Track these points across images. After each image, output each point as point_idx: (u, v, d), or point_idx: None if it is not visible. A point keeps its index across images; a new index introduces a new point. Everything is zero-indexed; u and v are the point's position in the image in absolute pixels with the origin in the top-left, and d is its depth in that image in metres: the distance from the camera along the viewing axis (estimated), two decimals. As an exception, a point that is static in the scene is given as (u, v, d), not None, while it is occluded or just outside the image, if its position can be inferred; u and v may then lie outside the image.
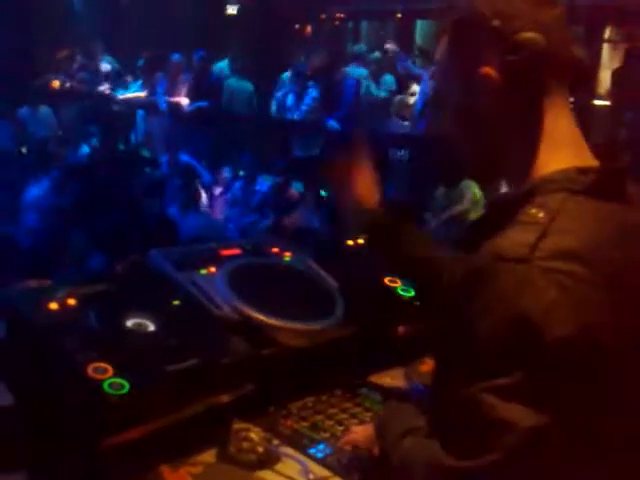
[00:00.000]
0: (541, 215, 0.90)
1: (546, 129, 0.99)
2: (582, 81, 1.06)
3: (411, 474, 1.01)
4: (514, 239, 0.90)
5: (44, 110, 7.99)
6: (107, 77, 8.76)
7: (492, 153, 1.04)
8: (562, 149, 0.99)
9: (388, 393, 1.61)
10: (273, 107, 7.72)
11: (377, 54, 8.39)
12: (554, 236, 0.88)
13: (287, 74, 7.71)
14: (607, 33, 8.95)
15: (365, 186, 1.55)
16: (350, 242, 1.99)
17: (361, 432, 1.30)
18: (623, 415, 0.92)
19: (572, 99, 1.04)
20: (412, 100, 7.19)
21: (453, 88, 1.05)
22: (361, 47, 8.95)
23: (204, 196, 6.15)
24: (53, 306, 1.36)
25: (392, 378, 1.71)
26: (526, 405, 0.86)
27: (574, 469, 0.90)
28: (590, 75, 1.05)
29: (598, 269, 0.88)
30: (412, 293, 1.76)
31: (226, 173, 6.53)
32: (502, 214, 0.96)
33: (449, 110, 1.07)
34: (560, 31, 1.00)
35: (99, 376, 1.23)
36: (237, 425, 1.34)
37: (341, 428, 1.45)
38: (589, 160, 1.00)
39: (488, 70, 0.98)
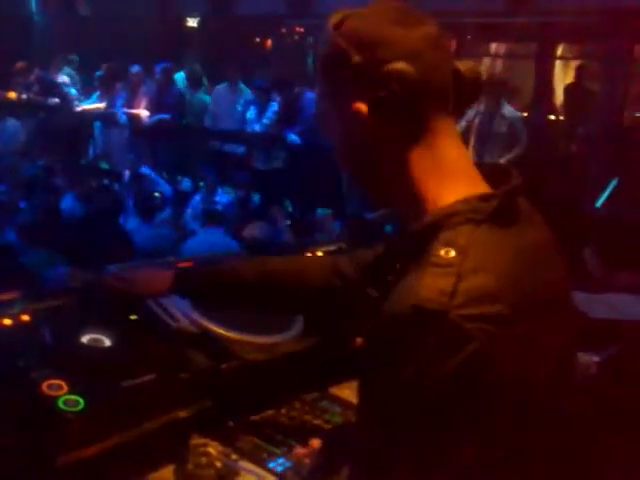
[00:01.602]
0: (452, 255, 0.85)
1: (433, 159, 0.94)
2: (470, 96, 1.01)
3: None
4: (430, 286, 0.83)
5: (10, 122, 7.86)
6: (65, 88, 8.63)
7: (379, 186, 0.99)
8: (455, 178, 0.94)
9: (347, 405, 1.62)
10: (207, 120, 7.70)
11: None
12: (469, 278, 0.84)
13: (221, 85, 7.70)
14: (559, 50, 9.18)
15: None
16: (308, 253, 1.99)
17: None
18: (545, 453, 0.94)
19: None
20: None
21: (330, 122, 1.00)
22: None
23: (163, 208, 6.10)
24: (6, 322, 1.34)
25: (351, 390, 1.71)
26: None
27: None
28: (477, 88, 1.00)
29: (522, 301, 0.86)
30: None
31: (185, 184, 6.50)
32: (407, 250, 0.92)
33: (334, 142, 1.02)
34: (433, 52, 0.93)
35: (53, 393, 1.22)
36: (195, 440, 1.33)
37: (300, 442, 1.45)
38: (483, 187, 0.94)
39: (358, 106, 0.93)
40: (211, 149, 7.60)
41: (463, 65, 0.98)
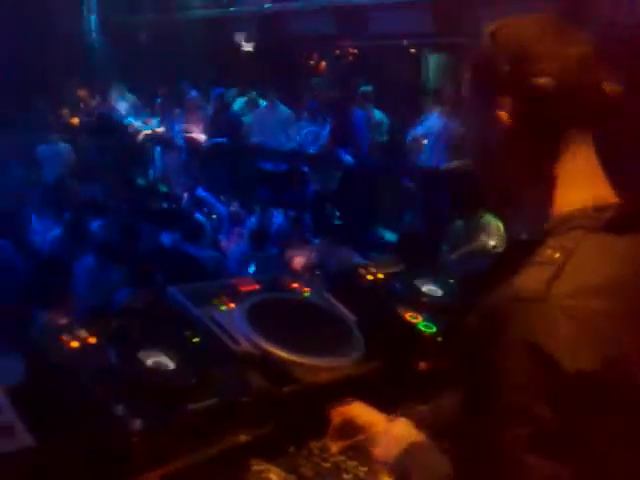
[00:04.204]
0: (557, 255, 0.90)
1: (562, 169, 0.98)
2: (610, 116, 1.03)
3: None
4: (530, 279, 0.90)
5: (62, 147, 8.11)
6: (126, 113, 8.89)
7: (508, 191, 1.04)
8: (579, 188, 0.98)
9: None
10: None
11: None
12: (569, 275, 0.88)
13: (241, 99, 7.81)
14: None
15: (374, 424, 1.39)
16: (369, 277, 1.97)
17: (382, 444, 1.25)
18: None
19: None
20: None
21: (471, 126, 1.07)
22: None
23: (219, 230, 6.18)
24: (73, 344, 1.35)
25: (416, 413, 1.67)
26: (558, 458, 0.84)
27: None
28: (619, 110, 1.02)
29: (616, 303, 0.87)
30: (434, 329, 1.73)
31: (236, 207, 6.55)
32: (521, 254, 0.95)
33: (469, 145, 1.09)
34: (581, 71, 0.96)
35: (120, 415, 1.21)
36: (257, 466, 1.32)
37: (364, 469, 1.42)
38: (608, 197, 0.98)
39: (501, 114, 0.98)
40: (265, 171, 7.68)
41: (608, 86, 0.99)
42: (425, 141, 6.95)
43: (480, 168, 1.08)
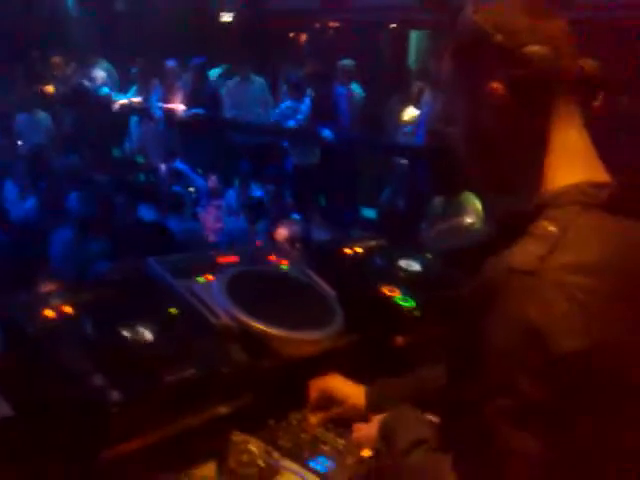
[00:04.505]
0: (552, 228, 0.90)
1: (556, 143, 0.98)
2: (593, 92, 1.03)
3: None
4: (524, 251, 0.89)
5: (42, 116, 7.96)
6: (103, 82, 8.73)
7: (502, 168, 1.03)
8: (573, 163, 0.98)
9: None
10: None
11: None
12: (565, 249, 0.88)
13: (216, 70, 7.71)
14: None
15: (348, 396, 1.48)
16: (348, 250, 1.97)
17: (365, 432, 1.26)
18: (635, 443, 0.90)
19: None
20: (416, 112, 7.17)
21: (461, 105, 1.04)
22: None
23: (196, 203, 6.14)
24: (50, 315, 1.34)
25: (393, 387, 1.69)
26: (538, 433, 0.84)
27: None
28: (601, 86, 1.03)
29: (610, 282, 0.87)
30: (411, 303, 1.74)
31: (215, 180, 6.49)
32: (514, 228, 0.94)
33: (458, 127, 1.06)
34: (566, 42, 0.98)
35: (97, 386, 1.21)
36: (236, 437, 1.32)
37: (342, 441, 1.43)
38: (601, 175, 0.98)
39: (495, 86, 0.97)
40: (244, 144, 7.61)
41: (584, 62, 1.00)
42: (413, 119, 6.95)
43: (472, 147, 1.06)
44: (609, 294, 0.86)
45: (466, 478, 0.91)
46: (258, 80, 7.74)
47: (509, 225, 0.98)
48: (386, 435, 1.15)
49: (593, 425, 0.86)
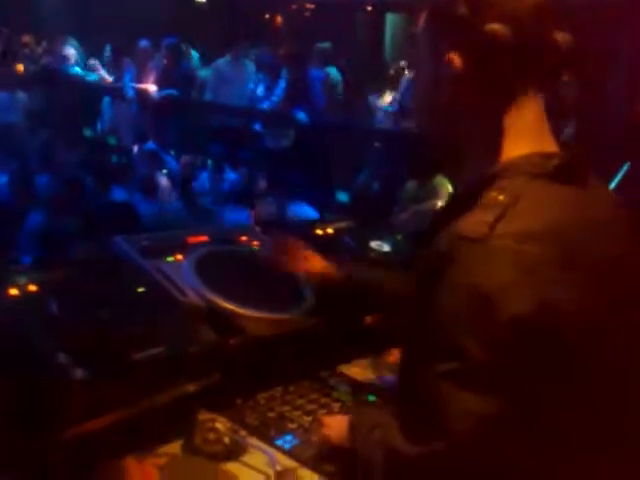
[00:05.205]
0: (501, 198, 0.92)
1: (509, 118, 0.99)
2: (562, 67, 1.05)
3: (371, 462, 1.02)
4: (473, 220, 0.91)
5: (20, 95, 7.79)
6: (73, 61, 8.57)
7: (455, 136, 1.05)
8: (525, 136, 0.99)
9: (356, 384, 1.60)
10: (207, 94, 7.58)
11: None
12: (513, 218, 0.90)
13: (223, 60, 7.60)
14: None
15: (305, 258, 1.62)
16: (319, 231, 1.97)
17: (334, 427, 1.28)
18: (589, 409, 0.92)
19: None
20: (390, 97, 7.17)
21: (422, 69, 1.06)
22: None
23: (167, 184, 6.07)
24: (13, 292, 1.32)
25: (360, 369, 1.70)
26: (481, 392, 0.87)
27: (536, 466, 0.90)
28: (571, 60, 1.05)
29: (558, 250, 0.89)
30: (381, 284, 1.75)
31: (187, 159, 6.43)
32: (466, 199, 0.97)
33: (418, 91, 1.09)
34: (534, 20, 0.97)
35: (62, 364, 1.19)
36: (203, 416, 1.32)
37: (309, 419, 1.44)
38: (550, 146, 1.00)
39: (453, 57, 0.98)
40: (218, 126, 7.54)
41: (560, 36, 1.00)
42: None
43: (428, 117, 1.08)
44: (555, 260, 0.88)
45: (412, 441, 0.94)
46: (249, 63, 7.63)
47: (463, 197, 1.00)
48: (352, 428, 1.18)
49: (536, 385, 0.88)
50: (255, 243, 1.83)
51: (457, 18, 0.97)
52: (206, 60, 8.32)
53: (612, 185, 5.73)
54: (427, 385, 0.91)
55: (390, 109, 6.96)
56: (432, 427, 0.91)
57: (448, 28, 0.99)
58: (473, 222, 0.91)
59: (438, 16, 1.02)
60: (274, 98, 6.97)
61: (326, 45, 7.78)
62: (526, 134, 0.99)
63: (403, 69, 7.15)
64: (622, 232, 1.00)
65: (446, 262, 0.90)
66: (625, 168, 5.85)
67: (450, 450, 0.89)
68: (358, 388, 1.58)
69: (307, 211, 5.21)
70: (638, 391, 0.97)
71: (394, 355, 1.70)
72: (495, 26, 0.95)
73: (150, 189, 5.62)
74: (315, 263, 1.61)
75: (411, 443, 0.94)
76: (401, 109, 6.74)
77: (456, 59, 0.98)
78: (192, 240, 1.74)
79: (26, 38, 8.89)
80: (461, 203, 0.97)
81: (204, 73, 7.94)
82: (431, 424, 0.91)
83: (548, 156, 0.97)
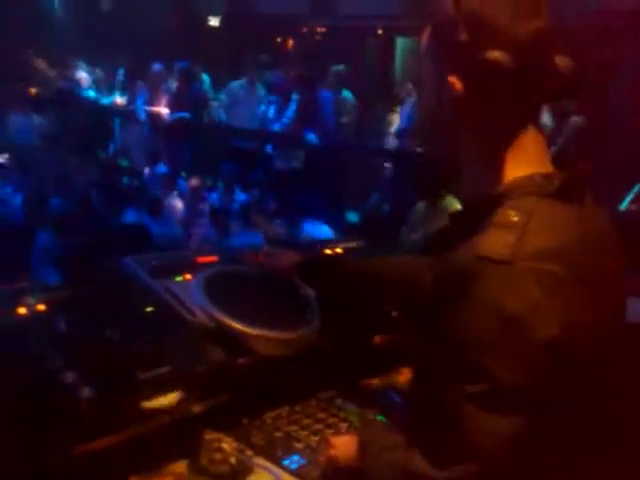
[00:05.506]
0: (516, 217, 0.92)
1: (511, 139, 0.99)
2: (564, 92, 1.05)
3: None
4: (494, 240, 0.91)
5: (35, 118, 7.91)
6: (87, 84, 8.69)
7: (456, 155, 1.06)
8: (526, 157, 1.00)
9: (364, 404, 1.60)
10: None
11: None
12: (532, 237, 0.90)
13: (237, 83, 7.68)
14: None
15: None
16: (328, 251, 1.97)
17: (341, 447, 1.26)
18: (588, 415, 0.95)
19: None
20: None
21: (425, 89, 1.08)
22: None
23: (180, 206, 6.11)
24: (22, 311, 1.33)
25: (369, 388, 1.69)
26: (508, 413, 0.87)
27: (542, 474, 0.92)
28: (573, 85, 1.04)
29: (569, 267, 0.90)
30: (390, 303, 1.75)
31: (194, 182, 6.46)
32: (475, 216, 0.97)
33: (421, 110, 1.13)
34: (535, 47, 0.97)
35: (70, 382, 1.20)
36: (209, 435, 1.32)
37: (315, 439, 1.43)
38: (547, 167, 1.01)
39: (453, 80, 0.99)
40: (229, 148, 7.58)
41: (561, 60, 1.02)
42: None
43: (430, 135, 1.12)
44: (570, 278, 0.89)
45: (436, 465, 0.93)
46: (259, 84, 7.71)
47: (471, 213, 1.00)
48: (362, 449, 1.16)
49: (559, 401, 0.89)
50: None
51: (458, 44, 0.98)
52: (217, 83, 8.39)
53: (624, 204, 5.72)
54: (451, 406, 0.90)
55: (398, 130, 6.99)
56: (460, 450, 0.90)
57: (449, 53, 1.00)
58: (494, 243, 0.91)
59: (439, 40, 1.02)
60: (284, 120, 7.02)
61: (341, 68, 7.83)
62: (527, 155, 1.00)
63: (411, 91, 7.18)
64: (615, 247, 1.03)
65: (469, 282, 0.90)
66: (637, 188, 5.83)
67: (482, 472, 0.89)
68: (366, 408, 1.57)
69: (321, 230, 5.23)
70: (634, 397, 0.99)
71: (404, 374, 1.70)
72: (496, 53, 0.95)
73: (157, 210, 5.66)
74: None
75: (437, 468, 0.93)
76: (406, 129, 6.77)
77: (457, 83, 0.99)
78: (201, 260, 1.75)
79: (39, 62, 9.02)
80: (470, 221, 0.97)
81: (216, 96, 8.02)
82: (459, 447, 0.90)
83: (548, 177, 0.98)
